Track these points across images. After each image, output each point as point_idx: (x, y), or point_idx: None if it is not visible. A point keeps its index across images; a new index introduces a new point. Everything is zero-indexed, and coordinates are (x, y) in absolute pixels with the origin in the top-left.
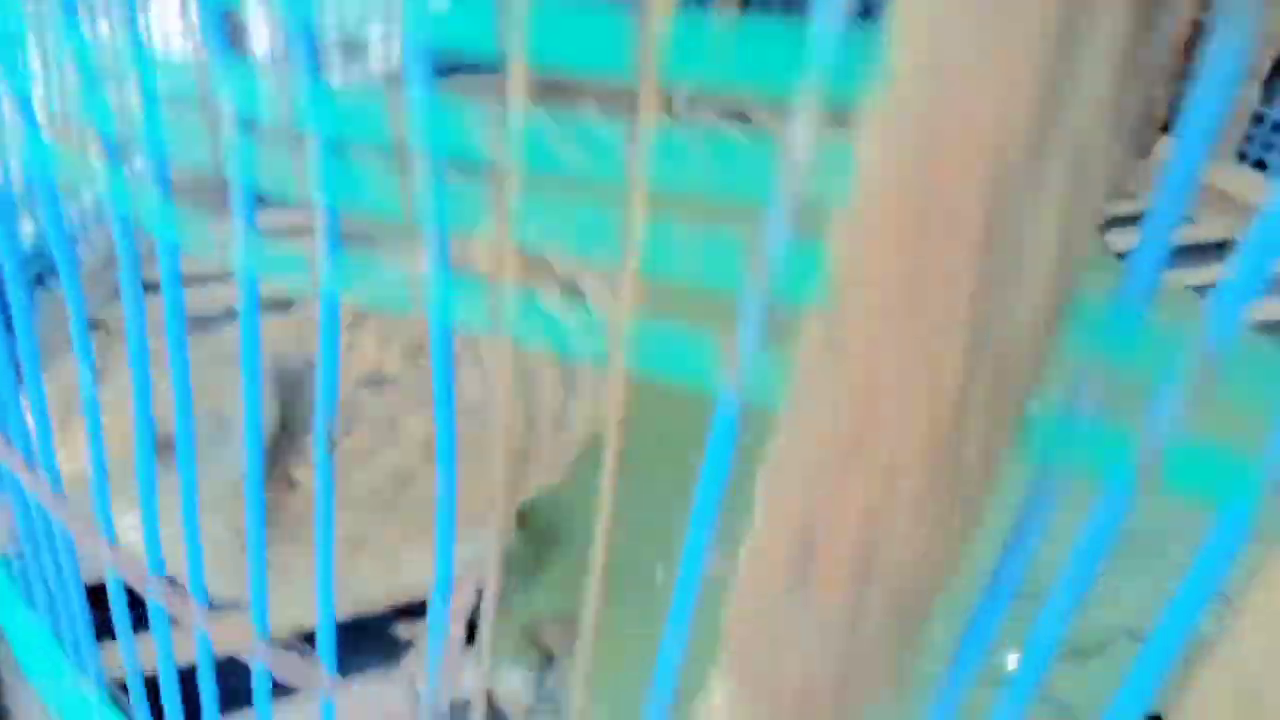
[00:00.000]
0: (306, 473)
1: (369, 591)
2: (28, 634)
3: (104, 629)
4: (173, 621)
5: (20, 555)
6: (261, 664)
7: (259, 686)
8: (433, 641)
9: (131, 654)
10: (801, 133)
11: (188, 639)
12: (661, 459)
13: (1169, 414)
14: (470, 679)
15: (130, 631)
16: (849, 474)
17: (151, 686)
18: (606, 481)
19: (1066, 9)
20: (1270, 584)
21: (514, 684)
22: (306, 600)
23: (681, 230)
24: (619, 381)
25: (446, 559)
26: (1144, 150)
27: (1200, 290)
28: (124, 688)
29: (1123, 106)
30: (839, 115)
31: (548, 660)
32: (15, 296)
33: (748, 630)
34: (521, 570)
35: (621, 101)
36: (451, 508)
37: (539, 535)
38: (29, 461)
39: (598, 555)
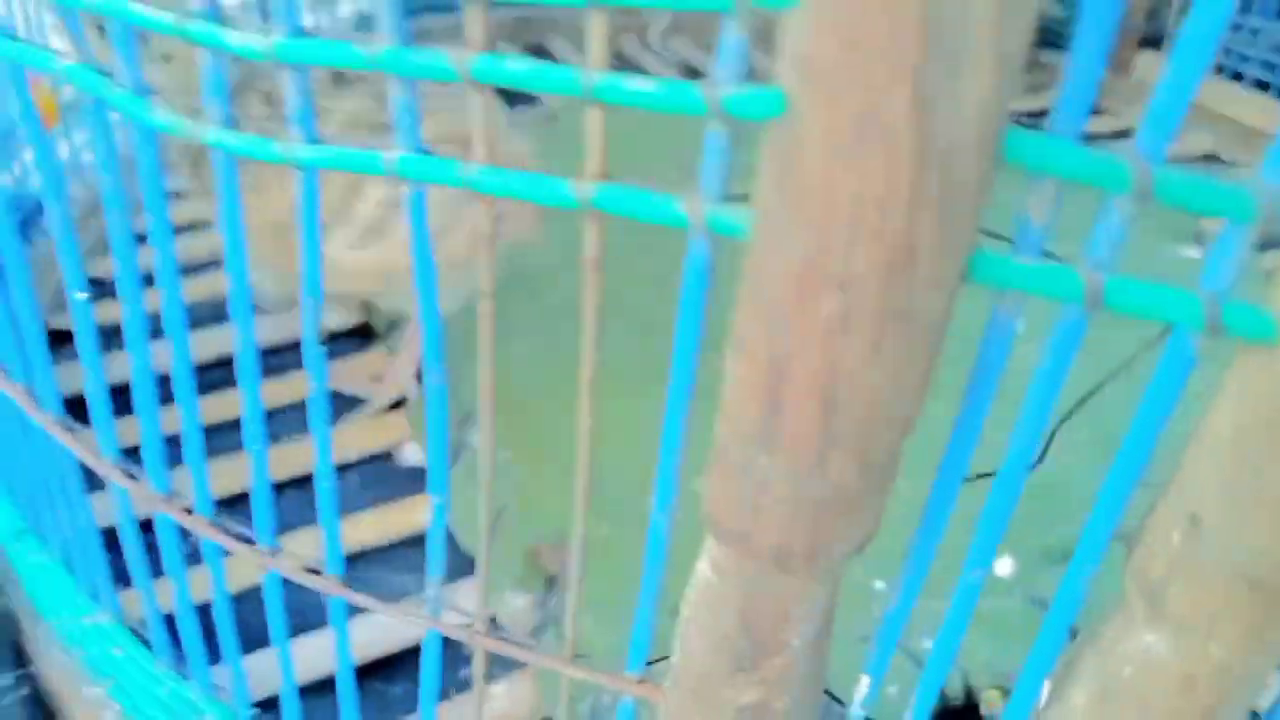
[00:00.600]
0: None
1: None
2: (43, 574)
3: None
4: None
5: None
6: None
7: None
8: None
9: (150, 593)
10: None
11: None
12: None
13: (1108, 239)
14: (473, 603)
15: (147, 574)
16: (807, 298)
17: (168, 619)
18: (583, 406)
19: None
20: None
21: (517, 607)
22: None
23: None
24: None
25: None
26: (1122, 67)
27: None
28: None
29: None
30: None
31: (550, 582)
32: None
33: (726, 486)
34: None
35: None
36: None
37: (534, 455)
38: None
39: (582, 476)
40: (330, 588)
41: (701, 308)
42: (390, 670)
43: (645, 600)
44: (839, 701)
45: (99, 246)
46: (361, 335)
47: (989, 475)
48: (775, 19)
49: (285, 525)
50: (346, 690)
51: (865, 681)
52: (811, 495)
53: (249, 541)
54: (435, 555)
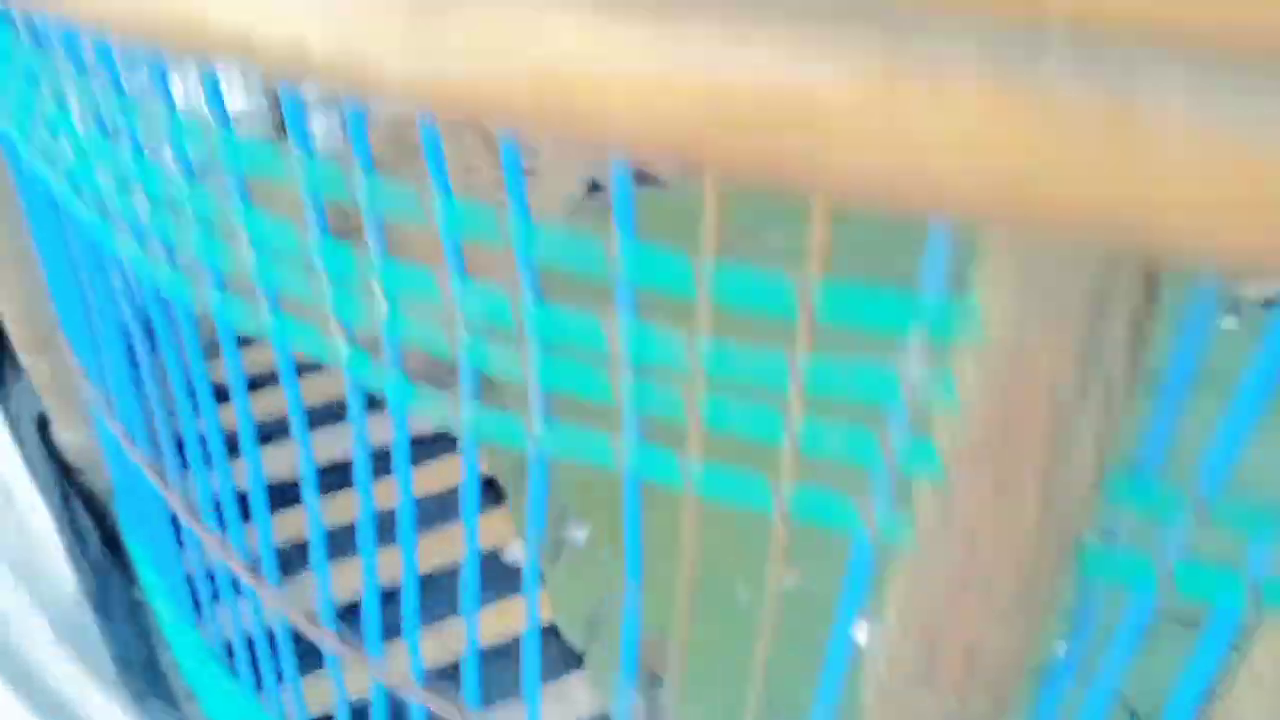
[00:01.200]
0: None
1: None
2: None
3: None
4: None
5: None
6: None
7: None
8: None
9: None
10: (915, 363)
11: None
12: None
13: (1178, 541)
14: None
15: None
16: (960, 601)
17: None
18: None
19: (1097, 298)
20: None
21: (629, 705)
22: None
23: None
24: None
25: None
26: None
27: None
28: None
29: (1137, 351)
30: (940, 349)
31: (655, 678)
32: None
33: (885, 710)
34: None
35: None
36: None
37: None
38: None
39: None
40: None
41: (864, 593)
42: None
43: None
44: None
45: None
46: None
47: None
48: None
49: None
50: None
51: None
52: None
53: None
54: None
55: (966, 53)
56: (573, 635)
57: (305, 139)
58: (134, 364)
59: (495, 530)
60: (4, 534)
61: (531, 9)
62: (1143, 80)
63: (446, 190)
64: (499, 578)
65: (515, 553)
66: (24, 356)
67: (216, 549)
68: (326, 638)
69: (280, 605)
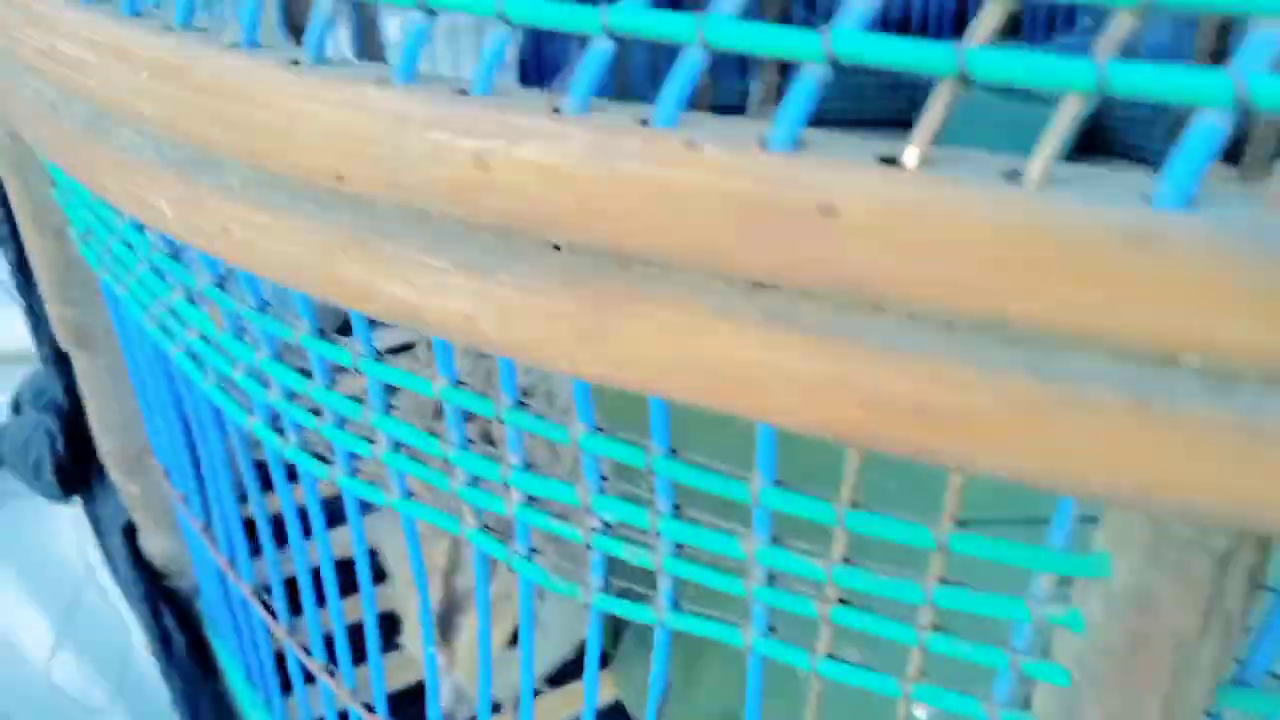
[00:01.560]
0: None
1: None
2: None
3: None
4: None
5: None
6: None
7: None
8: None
9: None
10: (1041, 592)
11: None
12: None
13: None
14: None
15: None
16: None
17: None
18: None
19: (1222, 559)
20: None
21: None
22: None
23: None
24: None
25: None
26: None
27: None
28: None
29: (1253, 592)
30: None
31: None
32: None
33: None
34: (677, 676)
35: None
36: None
37: (687, 642)
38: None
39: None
40: None
41: None
42: None
43: None
44: None
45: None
46: None
47: None
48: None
49: None
50: None
51: None
52: None
53: None
54: None
55: (1103, 377)
56: (638, 710)
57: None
58: (233, 495)
59: None
60: (92, 635)
61: (702, 320)
62: (1266, 408)
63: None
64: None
65: None
66: (116, 476)
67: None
68: None
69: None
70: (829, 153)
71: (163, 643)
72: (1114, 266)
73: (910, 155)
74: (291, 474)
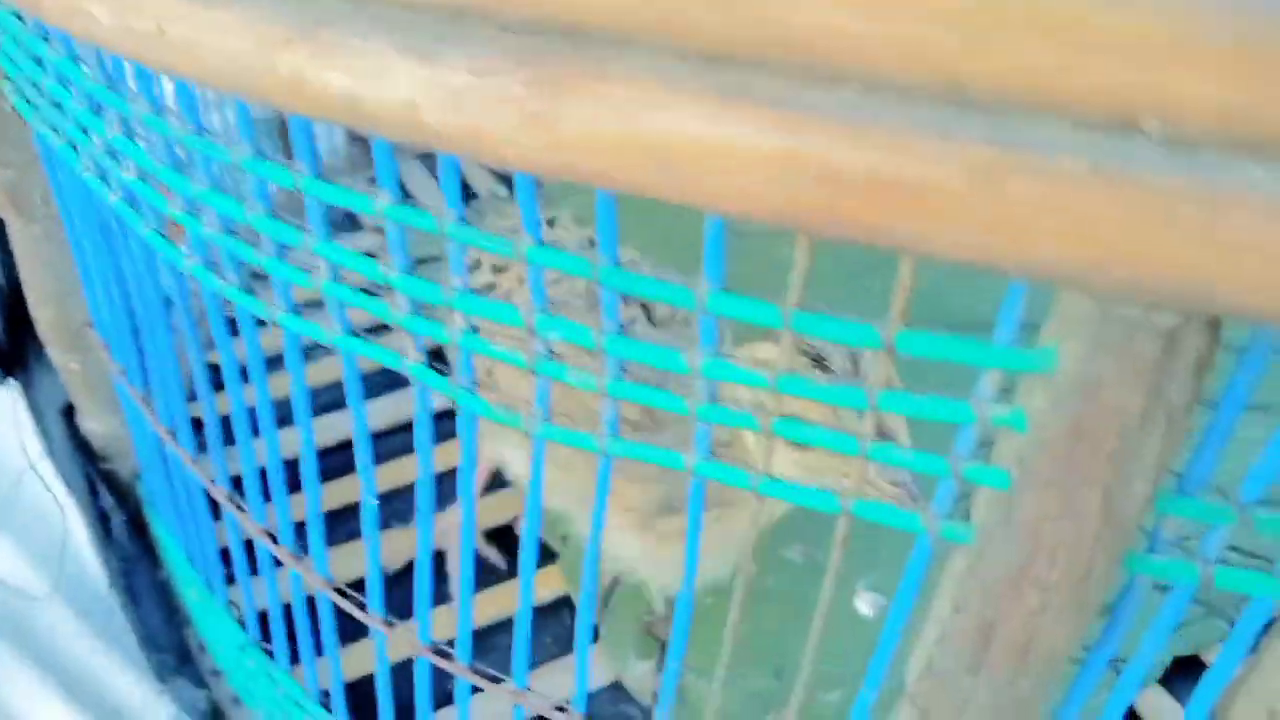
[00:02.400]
0: None
1: None
2: (250, 671)
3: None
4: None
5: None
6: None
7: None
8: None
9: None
10: (985, 391)
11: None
12: None
13: (1219, 545)
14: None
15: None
16: (1018, 599)
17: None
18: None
19: (1168, 341)
20: None
21: (639, 673)
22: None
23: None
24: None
25: None
26: None
27: None
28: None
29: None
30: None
31: (664, 649)
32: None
33: (934, 691)
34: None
35: None
36: None
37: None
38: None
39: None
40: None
41: (916, 592)
42: None
43: None
44: None
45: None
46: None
47: None
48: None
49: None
50: None
51: None
52: (1002, 700)
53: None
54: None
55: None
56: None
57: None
58: (173, 356)
59: (509, 509)
60: (29, 522)
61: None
62: (1224, 175)
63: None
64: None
65: None
66: (55, 353)
67: (249, 526)
68: (360, 610)
69: (314, 580)
70: None
71: (101, 521)
72: (1072, 21)
73: None
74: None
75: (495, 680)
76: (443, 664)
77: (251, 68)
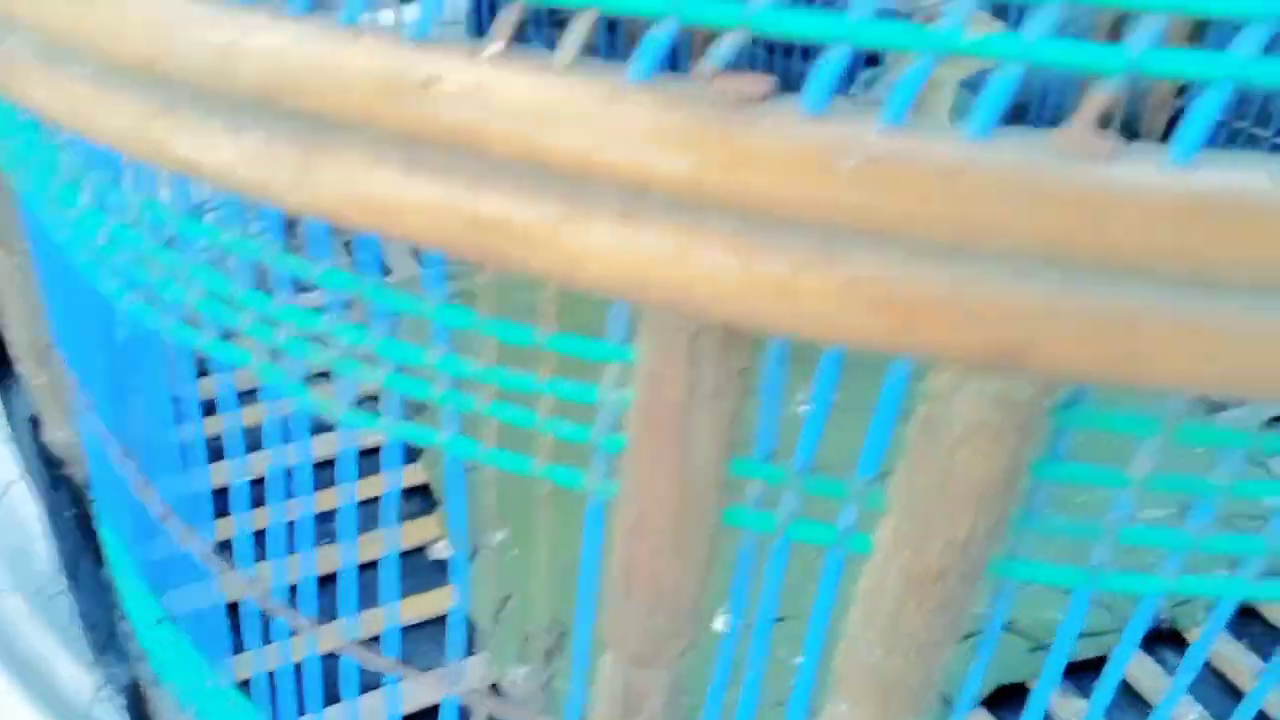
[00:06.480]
0: None
1: None
2: (170, 648)
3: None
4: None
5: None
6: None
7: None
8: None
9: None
10: (609, 383)
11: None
12: None
13: (791, 505)
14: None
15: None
16: (643, 541)
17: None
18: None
19: (695, 345)
20: None
21: (518, 676)
22: None
23: None
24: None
25: None
26: None
27: None
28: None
29: (735, 371)
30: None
31: (547, 655)
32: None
33: (609, 615)
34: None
35: None
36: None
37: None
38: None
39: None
40: (385, 666)
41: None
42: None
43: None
44: None
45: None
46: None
47: None
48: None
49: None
50: None
51: None
52: (647, 628)
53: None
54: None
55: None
56: (481, 622)
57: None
58: (122, 382)
59: (424, 532)
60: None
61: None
62: (682, 221)
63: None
64: (425, 571)
65: (439, 551)
66: (23, 367)
67: (184, 536)
68: (279, 611)
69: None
70: (435, 42)
71: (56, 522)
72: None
73: (492, 49)
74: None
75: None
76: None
77: (131, 135)
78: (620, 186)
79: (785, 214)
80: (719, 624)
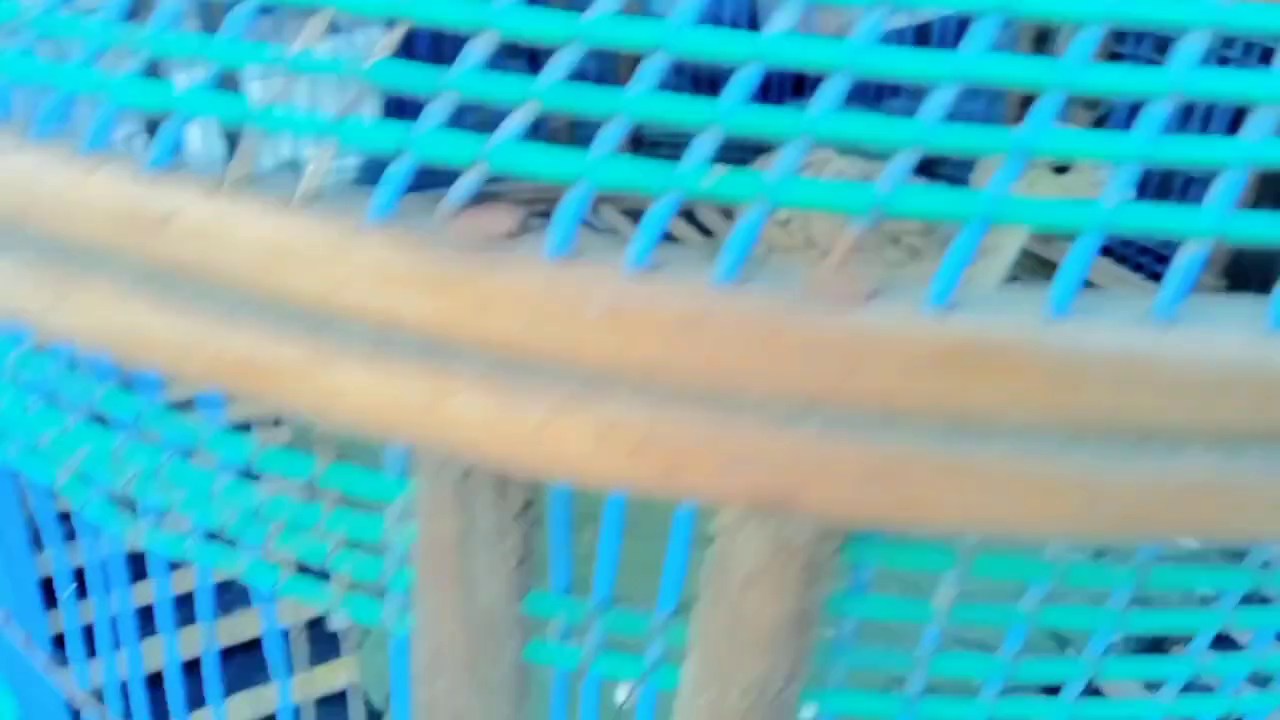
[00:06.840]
0: None
1: None
2: None
3: None
4: None
5: None
6: None
7: None
8: None
9: None
10: (394, 510)
11: None
12: None
13: (597, 638)
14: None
15: None
16: (435, 674)
17: None
18: None
19: (463, 494)
20: None
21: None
22: None
23: None
24: None
25: None
26: None
27: None
28: None
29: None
30: None
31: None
32: None
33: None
34: None
35: None
36: None
37: None
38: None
39: None
40: None
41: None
42: None
43: None
44: None
45: None
46: None
47: None
48: None
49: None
50: None
51: None
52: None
53: None
54: None
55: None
56: (375, 698)
57: None
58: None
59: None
60: None
61: None
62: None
63: None
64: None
65: (336, 622)
66: None
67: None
68: None
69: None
70: (179, 173)
71: None
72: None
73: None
74: None
75: None
76: None
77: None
78: (368, 326)
79: (539, 357)
80: None
